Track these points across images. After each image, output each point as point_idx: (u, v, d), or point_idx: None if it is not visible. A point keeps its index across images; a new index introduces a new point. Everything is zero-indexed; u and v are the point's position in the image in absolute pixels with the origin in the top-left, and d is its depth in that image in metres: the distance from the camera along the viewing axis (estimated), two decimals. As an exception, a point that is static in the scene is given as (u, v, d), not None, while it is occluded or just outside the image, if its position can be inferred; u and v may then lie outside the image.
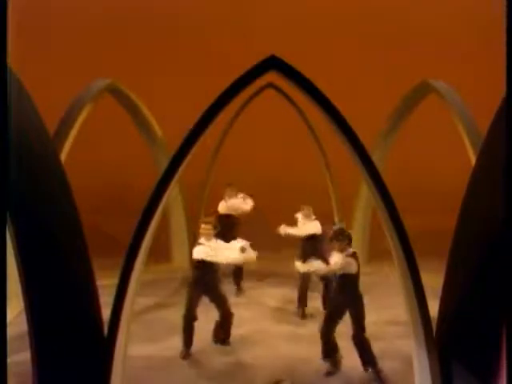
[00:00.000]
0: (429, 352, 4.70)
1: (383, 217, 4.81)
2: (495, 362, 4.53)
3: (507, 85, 4.45)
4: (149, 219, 4.54)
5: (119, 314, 4.54)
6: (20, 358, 6.10)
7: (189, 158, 4.69)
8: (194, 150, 4.68)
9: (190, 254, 10.83)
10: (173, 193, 10.61)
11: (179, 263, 11.06)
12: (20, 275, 4.58)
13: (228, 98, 4.53)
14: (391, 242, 4.85)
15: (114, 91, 9.65)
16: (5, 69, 4.37)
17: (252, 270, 10.49)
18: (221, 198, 10.23)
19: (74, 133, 8.45)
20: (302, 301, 8.91)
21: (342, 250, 6.98)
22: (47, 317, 4.59)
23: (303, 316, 8.80)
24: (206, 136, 4.73)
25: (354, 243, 8.05)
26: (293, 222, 9.15)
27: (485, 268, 4.63)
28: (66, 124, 8.47)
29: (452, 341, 4.72)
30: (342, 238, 7.03)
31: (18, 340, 6.13)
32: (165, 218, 10.69)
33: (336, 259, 6.95)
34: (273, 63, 4.44)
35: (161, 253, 10.72)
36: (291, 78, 4.41)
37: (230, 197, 9.89)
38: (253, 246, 7.63)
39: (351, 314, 6.96)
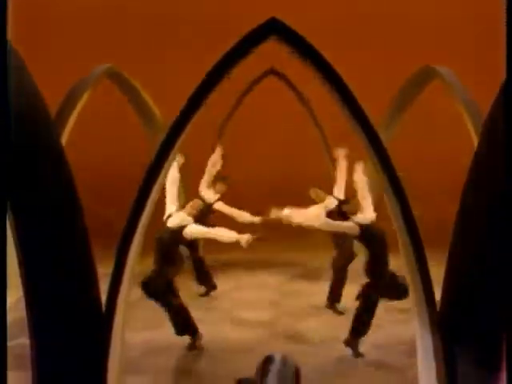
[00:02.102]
0: (433, 335, 4.62)
1: (390, 199, 4.71)
2: (498, 349, 4.42)
3: (507, 71, 4.34)
4: (147, 191, 4.42)
5: (117, 292, 4.46)
6: (19, 341, 6.08)
7: (184, 135, 4.52)
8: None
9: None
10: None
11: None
12: (20, 265, 4.50)
13: (226, 66, 4.27)
14: (396, 224, 4.75)
15: (113, 76, 9.54)
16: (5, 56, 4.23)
17: (253, 259, 10.52)
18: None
19: (73, 119, 8.38)
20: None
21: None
22: (46, 302, 4.53)
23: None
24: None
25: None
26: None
27: (487, 256, 4.51)
28: (64, 110, 8.38)
29: (455, 325, 4.61)
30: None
31: (17, 325, 6.07)
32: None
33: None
34: (273, 27, 4.14)
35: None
36: (293, 43, 4.14)
37: (219, 192, 9.28)
38: None
39: None
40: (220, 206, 9.17)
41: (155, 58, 12.97)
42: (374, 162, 4.71)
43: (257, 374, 3.34)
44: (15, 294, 7.03)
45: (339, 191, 8.66)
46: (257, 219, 8.85)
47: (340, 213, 8.27)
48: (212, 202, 9.08)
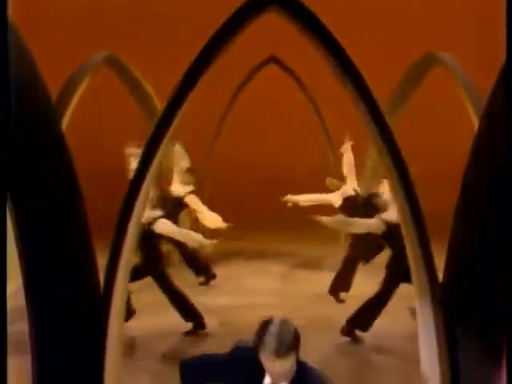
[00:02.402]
0: (434, 313, 4.55)
1: (393, 179, 4.63)
2: (501, 326, 4.33)
3: (507, 51, 4.27)
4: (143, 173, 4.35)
5: (115, 270, 4.41)
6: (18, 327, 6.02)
7: (180, 117, 4.39)
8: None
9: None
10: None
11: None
12: (19, 255, 4.44)
13: (222, 41, 4.07)
14: (398, 202, 4.68)
15: (113, 63, 9.45)
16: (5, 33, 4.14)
17: (257, 250, 10.53)
18: (224, 182, 10.05)
19: (72, 107, 8.32)
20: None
21: None
22: (45, 291, 4.49)
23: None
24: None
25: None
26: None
27: (488, 232, 4.44)
28: (63, 97, 8.31)
29: (457, 303, 4.53)
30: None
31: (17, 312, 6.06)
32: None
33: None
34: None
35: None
36: (296, 13, 3.88)
37: (187, 183, 8.90)
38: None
39: None
40: (190, 200, 8.72)
41: (154, 56, 12.90)
42: (377, 143, 4.64)
43: (255, 335, 3.36)
44: (14, 283, 7.07)
45: (352, 182, 8.60)
46: (224, 225, 8.39)
47: (352, 206, 8.26)
48: (182, 195, 8.73)
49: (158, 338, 7.26)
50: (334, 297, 8.45)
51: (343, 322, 7.22)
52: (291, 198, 8.59)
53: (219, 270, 9.52)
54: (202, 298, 8.11)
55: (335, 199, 8.52)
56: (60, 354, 4.44)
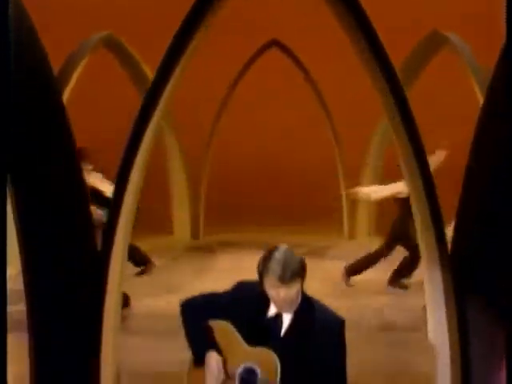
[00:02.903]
0: (443, 277, 4.47)
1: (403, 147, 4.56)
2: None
3: (507, 33, 4.13)
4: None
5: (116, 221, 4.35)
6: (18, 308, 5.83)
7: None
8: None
9: (191, 226, 10.94)
10: (175, 165, 10.69)
11: (180, 235, 11.21)
12: (19, 240, 4.41)
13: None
14: (408, 169, 4.61)
15: (111, 44, 9.32)
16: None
17: (261, 242, 10.53)
18: (224, 169, 9.97)
19: (69, 88, 8.28)
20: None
21: None
22: (45, 274, 4.51)
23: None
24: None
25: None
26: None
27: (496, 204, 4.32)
28: (61, 78, 8.19)
29: (467, 266, 4.44)
30: None
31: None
32: (167, 192, 10.96)
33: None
34: None
35: (162, 226, 11.02)
36: None
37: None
38: None
39: None
40: (94, 181, 7.60)
41: (153, 37, 12.74)
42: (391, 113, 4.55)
43: (260, 262, 3.28)
44: (15, 268, 6.98)
45: None
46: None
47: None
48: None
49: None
50: (346, 281, 8.54)
51: (346, 307, 7.17)
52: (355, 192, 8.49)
53: (221, 260, 9.58)
54: (210, 286, 8.01)
55: (403, 188, 8.29)
56: (58, 338, 4.45)
